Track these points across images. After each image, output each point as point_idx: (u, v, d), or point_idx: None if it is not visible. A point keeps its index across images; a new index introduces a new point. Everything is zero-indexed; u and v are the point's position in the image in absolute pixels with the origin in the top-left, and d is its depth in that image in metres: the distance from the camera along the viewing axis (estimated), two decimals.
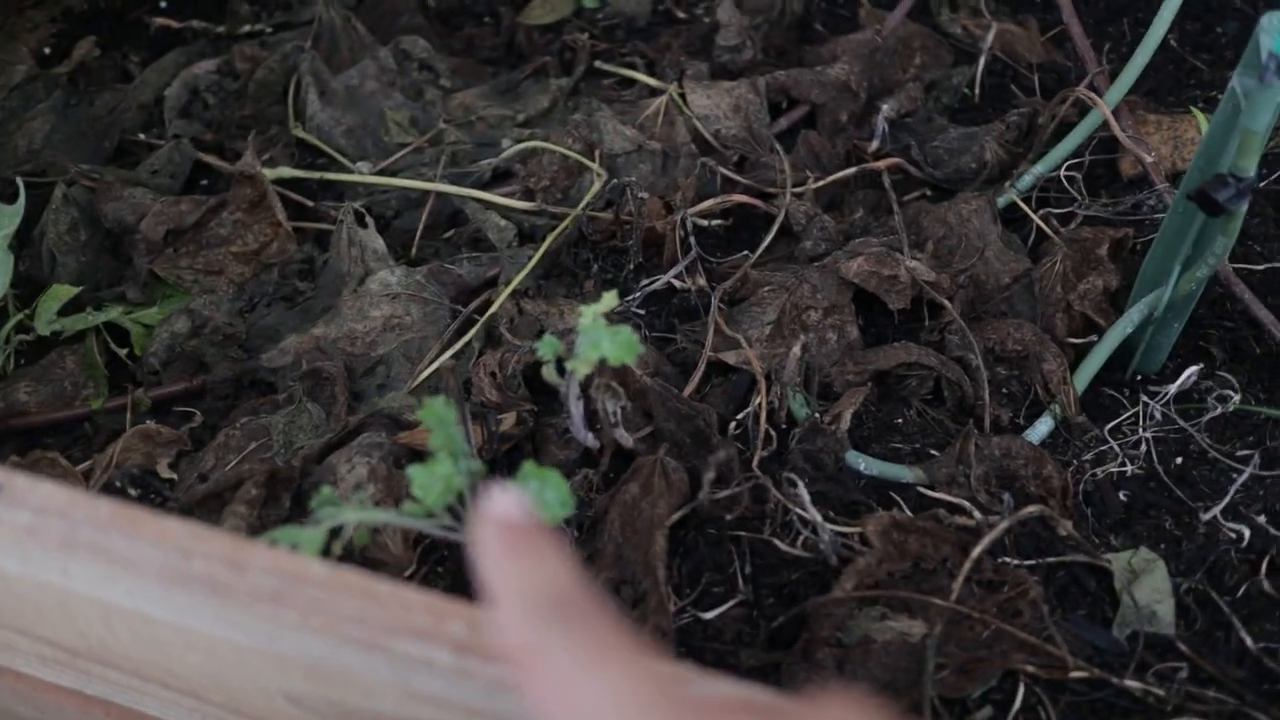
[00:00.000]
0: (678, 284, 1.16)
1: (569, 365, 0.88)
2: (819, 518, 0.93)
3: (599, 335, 0.83)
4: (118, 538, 0.63)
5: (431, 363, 1.09)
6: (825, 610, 0.92)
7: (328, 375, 1.07)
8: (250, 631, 0.62)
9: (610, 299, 0.88)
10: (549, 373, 0.91)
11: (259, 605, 0.61)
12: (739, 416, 1.08)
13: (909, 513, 1.00)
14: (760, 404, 1.05)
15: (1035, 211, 1.21)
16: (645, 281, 1.17)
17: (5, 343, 1.09)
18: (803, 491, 0.93)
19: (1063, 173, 1.23)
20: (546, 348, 0.86)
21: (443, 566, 0.95)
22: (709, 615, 0.94)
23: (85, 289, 1.12)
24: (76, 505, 0.64)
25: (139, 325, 1.12)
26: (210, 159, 1.29)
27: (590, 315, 0.88)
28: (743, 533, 0.98)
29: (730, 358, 1.10)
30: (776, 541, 0.97)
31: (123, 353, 1.10)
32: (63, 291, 1.09)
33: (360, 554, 0.88)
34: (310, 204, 1.26)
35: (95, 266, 1.18)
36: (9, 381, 1.08)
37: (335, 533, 0.73)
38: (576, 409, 0.95)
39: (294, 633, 0.61)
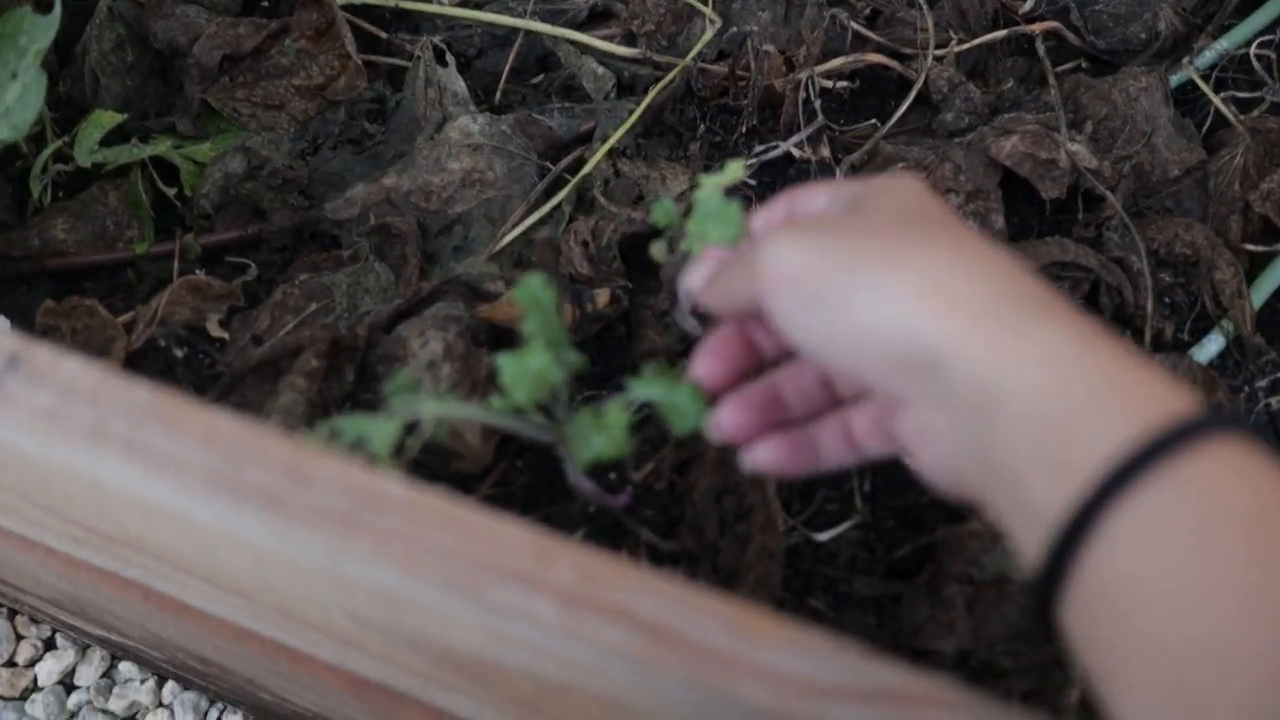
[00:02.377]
0: (796, 153, 1.02)
1: (681, 244, 0.74)
2: None
3: (705, 208, 0.70)
4: (156, 432, 0.51)
5: (515, 225, 0.96)
6: (958, 541, 0.80)
7: (398, 232, 0.94)
8: (311, 552, 0.51)
9: (735, 169, 0.74)
10: (658, 249, 0.78)
11: (323, 527, 0.50)
12: None
13: None
14: None
15: (1215, 94, 1.04)
16: (759, 148, 1.02)
17: (42, 172, 0.96)
18: None
19: (1253, 50, 1.06)
20: (661, 213, 0.73)
21: (522, 460, 0.83)
22: (822, 536, 0.82)
23: (131, 117, 0.99)
24: (108, 389, 0.52)
25: (189, 162, 0.99)
26: None
27: (710, 187, 0.74)
28: None
29: None
30: (905, 459, 0.84)
31: (170, 192, 0.98)
32: (106, 118, 0.96)
33: (429, 443, 0.77)
34: (383, 35, 1.11)
35: (143, 92, 1.04)
36: (45, 216, 0.96)
37: (410, 427, 0.61)
38: (685, 293, 0.81)
39: (364, 562, 0.50)
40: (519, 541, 0.48)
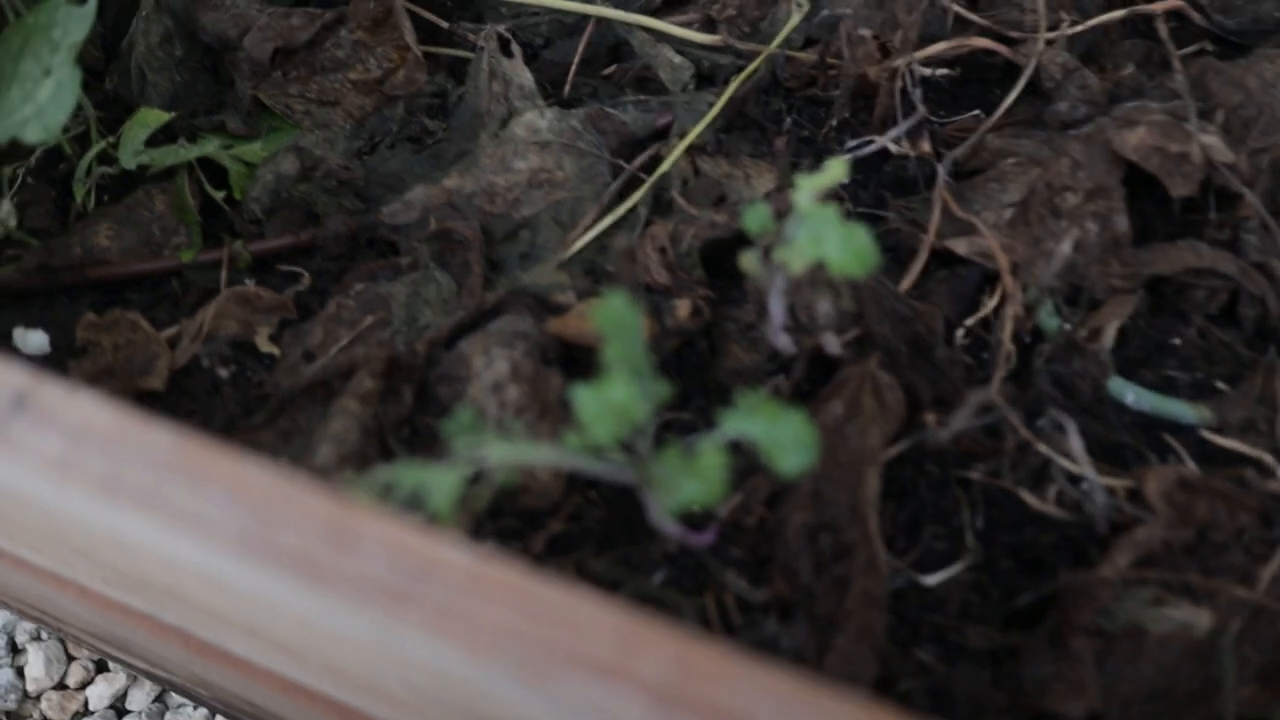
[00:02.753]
0: (893, 148, 0.93)
1: (776, 254, 0.66)
2: (1091, 470, 0.71)
3: (825, 230, 0.61)
4: (179, 485, 0.44)
5: (587, 230, 0.88)
6: (1086, 587, 0.71)
7: (461, 238, 0.87)
8: (357, 625, 0.43)
9: (837, 169, 0.66)
10: (749, 260, 0.69)
11: (370, 599, 0.42)
12: (967, 323, 0.85)
13: (1192, 465, 0.77)
14: (1002, 309, 0.83)
15: None
16: (852, 143, 0.94)
17: (86, 175, 0.91)
18: (1071, 433, 0.71)
19: None
20: (754, 219, 0.65)
21: (596, 491, 0.75)
22: (931, 579, 0.74)
23: (179, 116, 0.94)
24: (125, 434, 0.45)
25: (239, 163, 0.93)
26: None
27: (808, 192, 0.66)
28: (975, 476, 0.77)
29: (960, 246, 0.87)
30: (1023, 493, 0.75)
31: (219, 196, 0.92)
32: (152, 117, 0.90)
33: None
34: (444, 25, 1.04)
35: (192, 89, 0.98)
36: (89, 223, 0.91)
37: (476, 476, 0.53)
38: (778, 308, 0.73)
39: (418, 641, 0.42)
40: (601, 625, 0.41)
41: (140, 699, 1.23)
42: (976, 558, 0.75)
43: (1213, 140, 0.86)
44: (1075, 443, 0.70)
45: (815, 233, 0.61)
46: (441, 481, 0.51)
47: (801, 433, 0.54)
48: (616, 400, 0.55)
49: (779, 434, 0.54)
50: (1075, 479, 0.75)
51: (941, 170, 0.90)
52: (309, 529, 0.43)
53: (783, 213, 0.67)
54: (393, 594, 0.42)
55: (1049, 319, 0.83)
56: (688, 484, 0.55)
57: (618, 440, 0.57)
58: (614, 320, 0.57)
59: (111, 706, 1.22)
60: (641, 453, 0.60)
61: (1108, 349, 0.82)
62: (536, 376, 0.75)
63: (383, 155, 0.96)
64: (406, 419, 0.77)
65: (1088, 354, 0.81)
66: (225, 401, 0.81)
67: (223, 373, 0.80)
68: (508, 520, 0.73)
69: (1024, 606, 0.73)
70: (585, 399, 0.56)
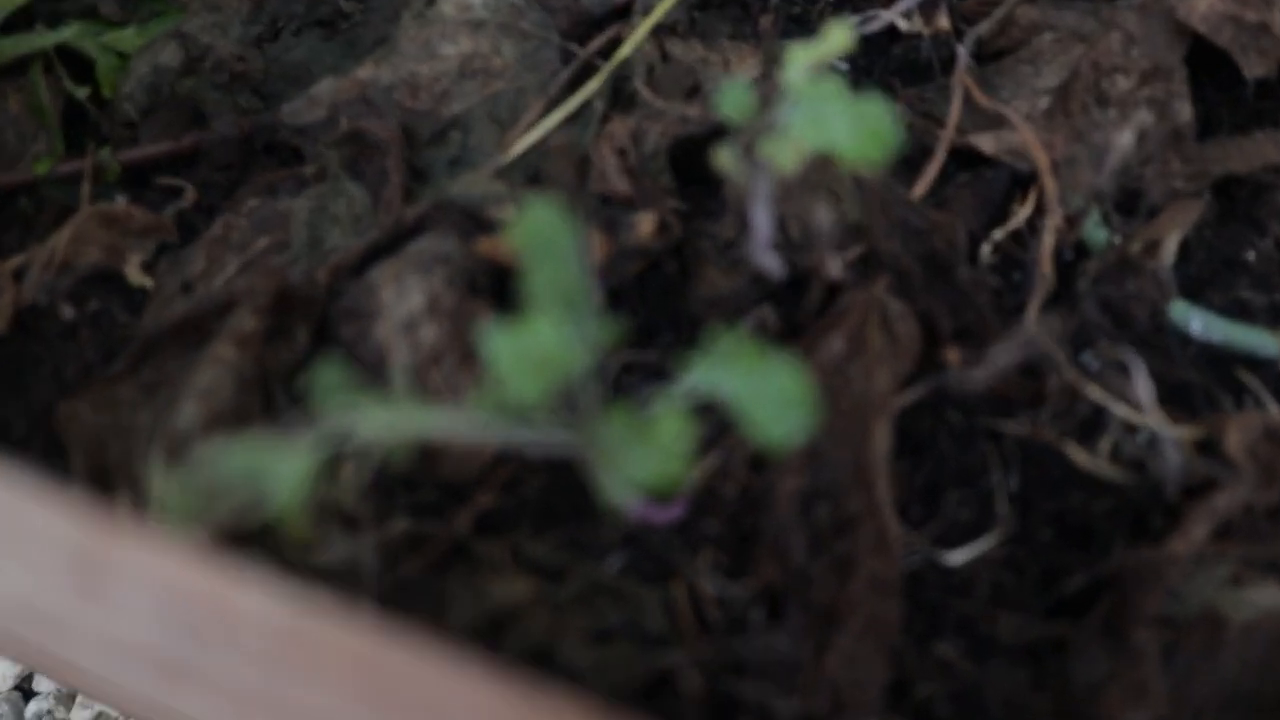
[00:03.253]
0: (903, 25, 0.77)
1: (762, 149, 0.51)
2: (1161, 418, 0.56)
3: (829, 109, 0.46)
4: None
5: (531, 129, 0.72)
6: (1149, 566, 0.57)
7: (377, 141, 0.72)
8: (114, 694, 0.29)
9: (839, 37, 0.51)
10: (727, 159, 0.54)
11: (126, 667, 0.27)
12: (995, 237, 0.70)
13: (1277, 409, 0.63)
14: (1039, 219, 0.68)
15: None
16: (854, 19, 0.78)
17: None
18: (1135, 371, 0.56)
19: None
20: (732, 103, 0.50)
21: (530, 475, 0.61)
22: (955, 558, 0.60)
23: None
24: None
25: (109, 54, 0.77)
26: None
27: (801, 65, 0.51)
28: (1009, 427, 0.63)
29: (986, 143, 0.72)
30: (1069, 448, 0.61)
31: (83, 93, 0.75)
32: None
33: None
34: None
35: None
36: None
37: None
38: (764, 219, 0.58)
39: None
40: (473, 710, 0.26)
41: (48, 680, 1.11)
42: (1011, 529, 0.61)
43: None
44: (1141, 384, 0.56)
45: (815, 114, 0.46)
46: (286, 468, 0.36)
47: (793, 388, 0.40)
48: (540, 346, 0.41)
49: (762, 389, 0.40)
50: (1133, 429, 0.61)
51: (962, 51, 0.75)
52: (47, 564, 0.28)
53: (769, 96, 0.52)
54: (158, 665, 0.27)
55: (1096, 231, 0.68)
56: (640, 458, 0.41)
57: (547, 398, 0.42)
58: (538, 238, 0.42)
59: (17, 688, 1.11)
60: (583, 413, 0.46)
61: (1168, 266, 0.67)
62: (459, 311, 0.60)
63: (286, 43, 0.80)
64: (299, 365, 0.62)
65: (1144, 273, 0.66)
66: (82, 346, 0.66)
67: (79, 310, 0.65)
68: (425, 493, 0.58)
69: (1071, 590, 0.59)
70: (500, 345, 0.41)
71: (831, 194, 0.55)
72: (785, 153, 0.50)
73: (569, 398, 0.44)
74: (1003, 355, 0.54)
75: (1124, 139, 0.62)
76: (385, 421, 0.39)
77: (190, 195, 0.74)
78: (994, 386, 0.62)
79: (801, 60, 0.52)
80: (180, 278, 0.69)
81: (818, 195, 0.55)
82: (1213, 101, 0.76)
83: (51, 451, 0.61)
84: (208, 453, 0.37)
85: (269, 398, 0.60)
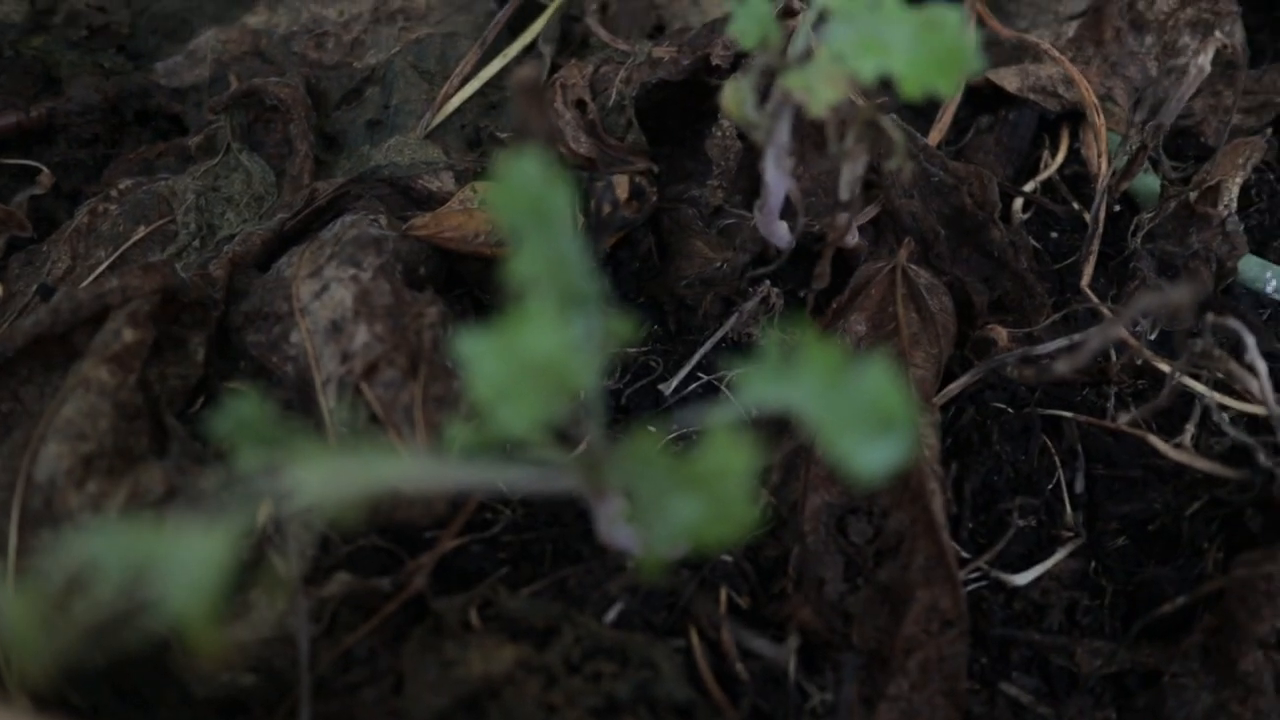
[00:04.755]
0: None
1: (787, 82, 0.41)
2: (1275, 402, 0.47)
3: (887, 25, 0.37)
4: None
5: (466, 81, 0.61)
6: (1263, 580, 0.48)
7: (276, 102, 0.60)
8: None
9: None
10: (737, 99, 0.44)
11: None
12: (1028, 189, 0.61)
13: None
14: (1093, 163, 0.58)
15: None
16: None
17: None
18: (1248, 342, 0.47)
19: None
20: (747, 21, 0.40)
21: (500, 511, 0.50)
22: (1021, 578, 0.50)
23: None
24: None
25: None
26: None
27: None
28: (1071, 415, 0.53)
29: (1009, 80, 0.62)
30: (1149, 437, 0.52)
31: None
32: None
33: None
34: None
35: None
36: None
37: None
38: (780, 176, 0.48)
39: None
40: None
41: None
42: (1082, 539, 0.51)
43: None
44: (1255, 357, 0.46)
45: (870, 32, 0.36)
46: (192, 559, 0.25)
47: (888, 402, 0.30)
48: (539, 353, 0.30)
49: (848, 405, 0.30)
50: (1222, 409, 0.52)
51: None
52: None
53: (792, 12, 0.42)
54: None
55: (1147, 178, 0.60)
56: (683, 504, 0.30)
57: (542, 427, 0.31)
58: (525, 204, 0.32)
59: None
60: (590, 444, 0.35)
61: (1233, 215, 0.58)
62: (398, 307, 0.49)
63: None
64: (198, 387, 0.50)
65: (1208, 225, 0.57)
66: None
67: None
68: (370, 540, 0.47)
69: (1162, 611, 0.50)
70: (482, 355, 0.30)
71: (877, 134, 0.45)
72: (819, 87, 0.40)
73: (568, 421, 0.34)
74: (1088, 351, 0.44)
75: (1201, 62, 0.52)
76: (328, 479, 0.28)
77: (45, 178, 0.61)
78: (1057, 371, 0.53)
79: None
80: (36, 280, 0.57)
81: (855, 141, 0.45)
82: (1254, 27, 0.68)
83: None
84: (73, 536, 0.26)
85: (160, 429, 0.48)
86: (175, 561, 0.25)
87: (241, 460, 0.31)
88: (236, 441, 0.30)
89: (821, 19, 0.41)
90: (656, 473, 0.31)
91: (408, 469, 0.30)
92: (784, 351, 0.33)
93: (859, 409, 0.31)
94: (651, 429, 0.34)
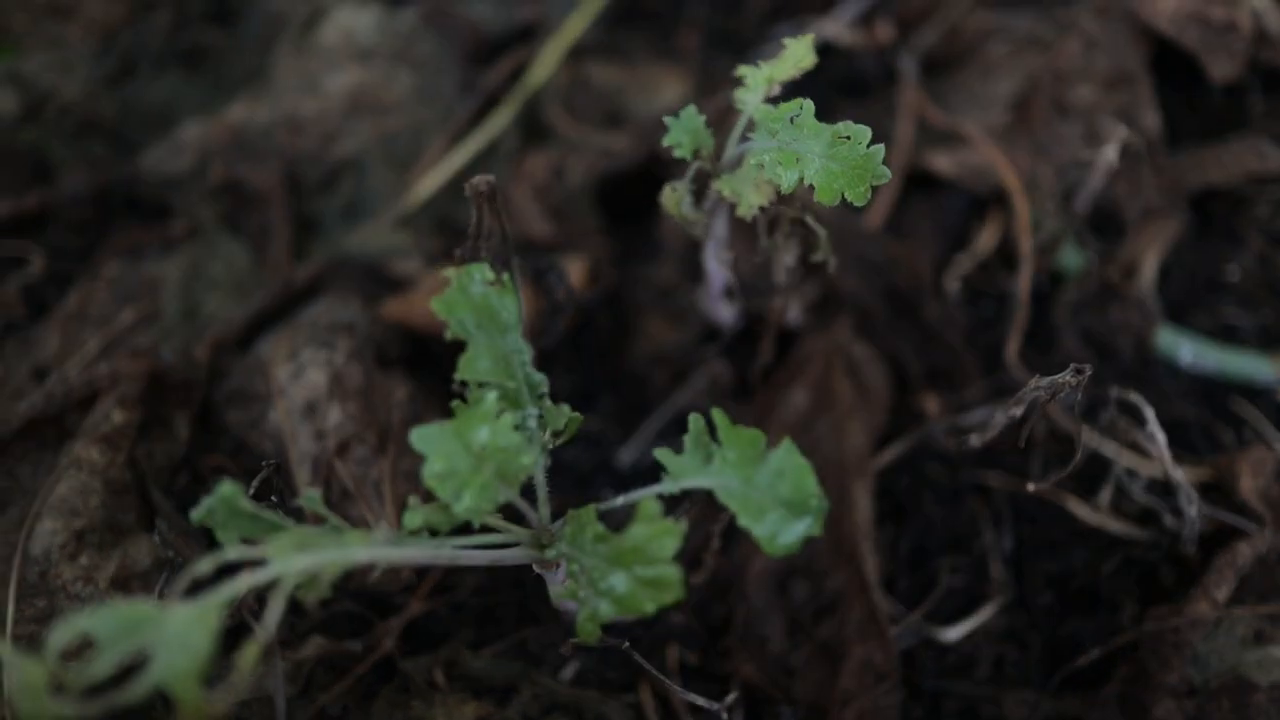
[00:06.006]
0: (843, 36, 0.73)
1: (720, 186, 0.46)
2: (1173, 465, 0.52)
3: (804, 139, 0.42)
4: None
5: (434, 169, 0.67)
6: (1174, 632, 0.53)
7: (256, 191, 0.66)
8: None
9: (802, 51, 0.46)
10: (674, 199, 0.49)
11: None
12: (960, 266, 0.67)
13: None
14: (1013, 243, 0.64)
15: None
16: (783, 27, 0.74)
17: None
18: (1145, 414, 0.52)
19: None
20: (681, 134, 0.45)
21: (463, 577, 0.54)
22: (951, 633, 0.55)
23: None
24: None
25: None
26: None
27: (760, 88, 0.46)
28: (997, 482, 0.58)
29: (942, 163, 0.68)
30: (1068, 501, 0.57)
31: None
32: None
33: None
34: None
35: None
36: None
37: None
38: (718, 265, 0.53)
39: None
40: None
41: None
42: (1009, 596, 0.56)
43: (1265, 4, 0.68)
44: (1154, 428, 0.51)
45: (789, 145, 0.41)
46: (182, 635, 0.30)
47: (802, 489, 0.34)
48: (490, 444, 0.35)
49: (766, 490, 0.34)
50: (1131, 474, 0.57)
51: (909, 61, 0.71)
52: None
53: (720, 123, 0.47)
54: None
55: (1073, 256, 0.65)
56: (618, 584, 0.35)
57: (491, 508, 0.36)
58: (473, 309, 0.37)
59: None
60: (535, 522, 0.40)
61: (1149, 289, 0.64)
62: (369, 388, 0.54)
63: (143, 82, 0.73)
64: (181, 464, 0.55)
65: (1127, 299, 0.63)
66: None
67: None
68: (343, 604, 0.52)
69: (1082, 662, 0.54)
70: (435, 445, 0.35)
71: (802, 230, 0.50)
72: (746, 191, 0.45)
73: (520, 501, 0.39)
74: (1003, 415, 0.49)
75: (1107, 156, 0.58)
76: (304, 559, 0.33)
77: (38, 263, 0.66)
78: (983, 438, 0.58)
79: (760, 81, 0.47)
80: (29, 363, 0.61)
81: (785, 235, 0.50)
82: (1174, 108, 0.73)
83: None
84: (73, 616, 0.30)
85: (147, 505, 0.53)
86: (168, 630, 0.30)
87: (222, 537, 0.35)
88: (217, 522, 0.35)
89: (749, 130, 0.47)
90: (592, 548, 0.36)
91: (373, 547, 0.35)
92: (703, 441, 0.38)
93: (773, 493, 0.35)
94: (597, 504, 0.39)
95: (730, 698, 0.47)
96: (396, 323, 0.59)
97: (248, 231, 0.66)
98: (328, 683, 0.51)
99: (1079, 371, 0.44)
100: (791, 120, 0.44)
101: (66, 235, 0.68)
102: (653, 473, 0.60)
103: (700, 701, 0.47)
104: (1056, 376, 0.45)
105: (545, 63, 0.71)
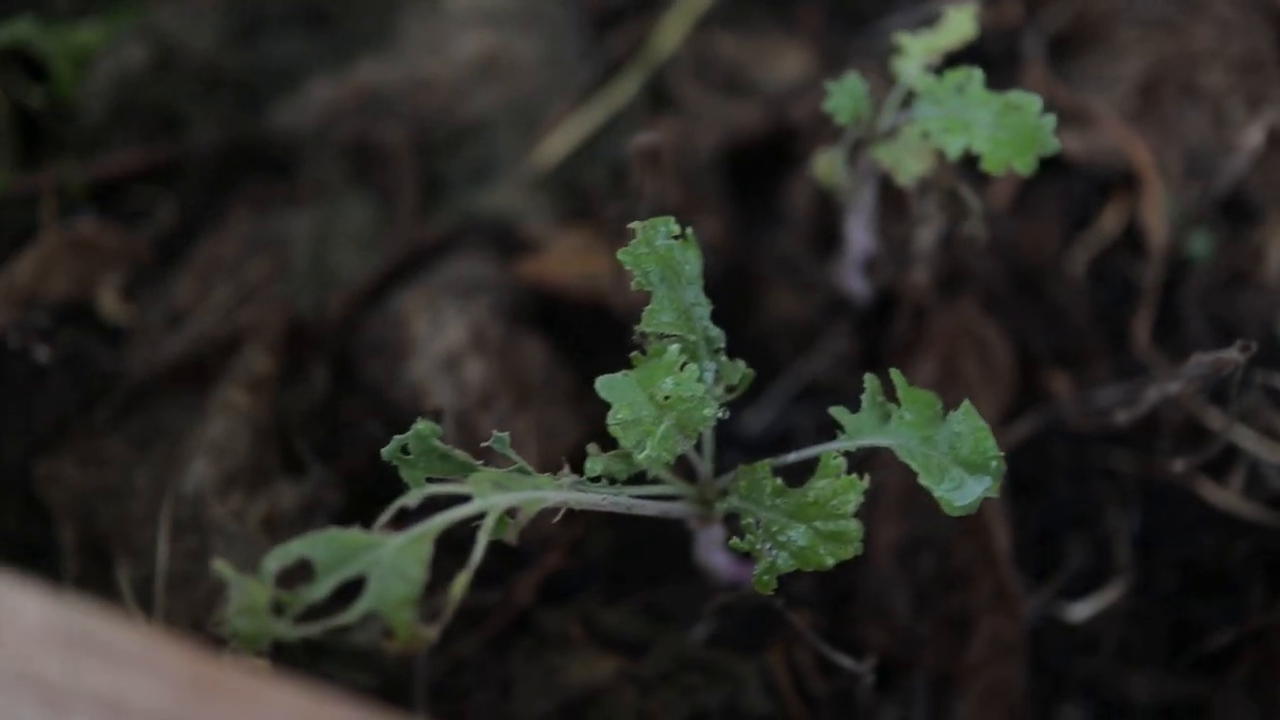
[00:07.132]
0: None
1: (876, 153, 0.47)
2: None
3: (971, 107, 0.42)
4: None
5: (561, 132, 0.68)
6: None
7: (385, 150, 0.67)
8: None
9: (964, 22, 0.47)
10: (829, 166, 0.50)
11: None
12: (1087, 248, 0.67)
13: None
14: (1142, 224, 0.64)
15: None
16: (910, 9, 0.74)
17: None
18: None
19: None
20: (840, 100, 0.46)
21: (596, 533, 0.55)
22: (1077, 612, 0.55)
23: None
24: None
25: (69, 52, 0.70)
26: None
27: (919, 54, 0.47)
28: (1126, 465, 0.59)
29: (1073, 143, 0.68)
30: (1198, 484, 0.57)
31: (37, 98, 0.70)
32: None
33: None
34: None
35: None
36: None
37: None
38: (863, 236, 0.54)
39: None
40: None
41: None
42: (1135, 577, 0.57)
43: None
44: None
45: (956, 113, 0.41)
46: (397, 562, 0.31)
47: (981, 449, 0.35)
48: (674, 394, 0.36)
49: (946, 450, 0.35)
50: (1262, 461, 0.57)
51: (1035, 43, 0.71)
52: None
53: (882, 95, 0.48)
54: None
55: (1201, 241, 0.65)
56: (796, 531, 0.36)
57: (673, 457, 0.37)
58: (657, 262, 0.38)
59: None
60: (700, 474, 0.41)
61: (1279, 278, 0.64)
62: (508, 346, 0.55)
63: (270, 38, 0.75)
64: (322, 410, 0.56)
65: (1256, 286, 0.63)
66: (54, 393, 0.59)
67: (42, 354, 0.58)
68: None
69: (1209, 645, 0.55)
70: (620, 395, 0.36)
71: (955, 201, 0.50)
72: (905, 160, 0.46)
73: (694, 453, 0.40)
74: (1157, 392, 0.50)
75: (1253, 139, 0.58)
76: (505, 496, 0.34)
77: (170, 213, 0.68)
78: (1113, 419, 0.58)
79: (918, 51, 0.47)
80: (165, 310, 0.63)
81: (931, 205, 0.51)
82: None
83: (30, 518, 0.54)
84: (280, 546, 0.31)
85: (287, 452, 0.54)
86: (383, 558, 0.31)
87: (407, 475, 0.37)
88: (408, 458, 0.36)
89: (908, 99, 0.47)
90: (771, 502, 0.37)
91: (562, 490, 0.36)
92: (879, 400, 0.39)
93: (954, 453, 0.36)
94: (770, 460, 0.40)
95: (869, 660, 0.48)
96: (530, 283, 0.60)
97: (375, 190, 0.68)
98: (463, 634, 0.52)
99: (1245, 349, 0.45)
100: (959, 89, 0.45)
101: (195, 189, 0.70)
102: (782, 440, 0.61)
103: (845, 662, 0.48)
104: (1221, 353, 0.45)
105: (671, 31, 0.72)
